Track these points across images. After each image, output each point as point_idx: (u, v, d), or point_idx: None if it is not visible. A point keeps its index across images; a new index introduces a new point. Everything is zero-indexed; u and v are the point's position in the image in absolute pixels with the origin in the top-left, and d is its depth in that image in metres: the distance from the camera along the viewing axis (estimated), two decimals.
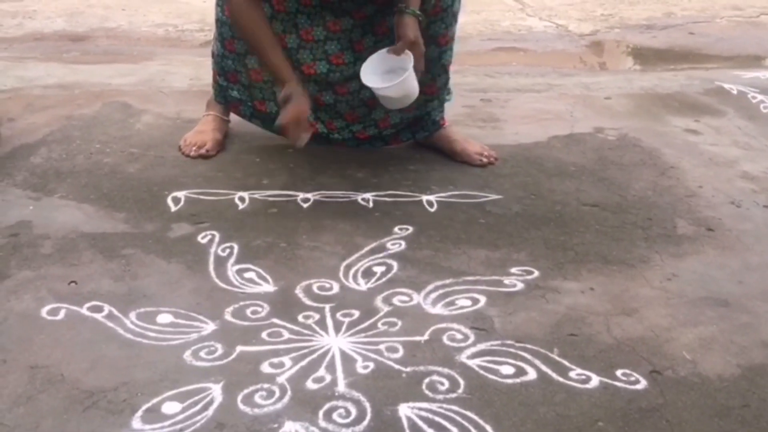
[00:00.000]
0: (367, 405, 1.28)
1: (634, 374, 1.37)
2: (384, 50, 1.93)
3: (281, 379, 1.33)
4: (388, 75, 1.92)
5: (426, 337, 1.45)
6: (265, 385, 1.31)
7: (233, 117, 2.26)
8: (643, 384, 1.35)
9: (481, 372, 1.36)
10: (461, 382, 1.34)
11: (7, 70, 2.85)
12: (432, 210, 1.92)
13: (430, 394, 1.31)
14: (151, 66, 3.10)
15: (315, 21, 1.97)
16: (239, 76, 2.13)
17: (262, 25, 1.90)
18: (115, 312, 1.48)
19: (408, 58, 1.89)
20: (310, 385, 1.32)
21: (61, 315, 1.47)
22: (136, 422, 1.22)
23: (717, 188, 2.09)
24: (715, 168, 2.22)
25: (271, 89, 2.10)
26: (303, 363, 1.37)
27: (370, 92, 1.96)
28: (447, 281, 1.63)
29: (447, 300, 1.56)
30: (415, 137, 2.21)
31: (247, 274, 1.63)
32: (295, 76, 1.92)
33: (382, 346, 1.42)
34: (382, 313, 1.52)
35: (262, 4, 1.92)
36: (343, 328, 1.47)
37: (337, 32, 1.99)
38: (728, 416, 1.29)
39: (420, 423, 1.24)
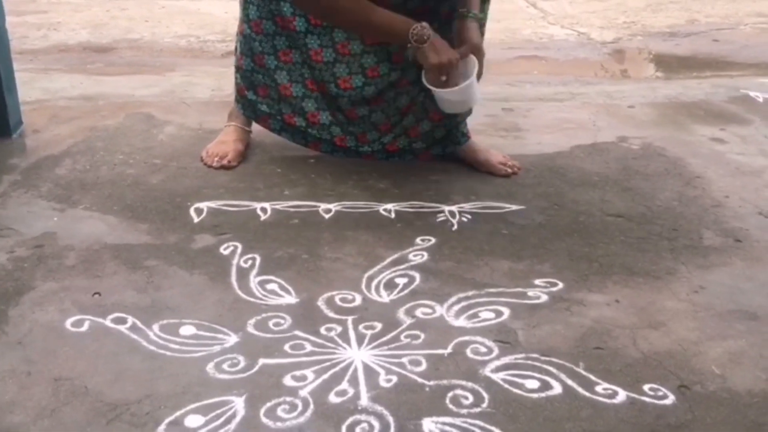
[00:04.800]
0: (391, 419, 1.26)
1: (662, 389, 1.35)
2: None
3: (304, 393, 1.32)
4: None
5: (449, 350, 1.44)
6: (288, 399, 1.30)
7: (254, 127, 2.27)
8: (671, 399, 1.33)
9: (506, 386, 1.35)
10: (485, 396, 1.32)
11: (32, 81, 2.89)
12: (454, 220, 1.91)
13: (454, 408, 1.29)
14: (174, 77, 3.12)
15: (352, 35, 1.97)
16: (269, 91, 2.13)
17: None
18: (139, 324, 1.48)
19: (471, 62, 1.91)
20: (333, 398, 1.31)
21: (85, 327, 1.47)
22: None
23: (744, 198, 2.06)
24: (741, 177, 2.19)
25: (300, 104, 2.11)
26: (325, 376, 1.36)
27: (406, 99, 1.95)
28: (470, 293, 1.61)
29: (470, 312, 1.55)
30: (445, 151, 2.20)
31: (269, 286, 1.63)
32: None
33: (405, 359, 1.41)
34: (404, 326, 1.51)
35: None
36: (366, 340, 1.46)
37: (375, 44, 1.98)
38: None
39: None
